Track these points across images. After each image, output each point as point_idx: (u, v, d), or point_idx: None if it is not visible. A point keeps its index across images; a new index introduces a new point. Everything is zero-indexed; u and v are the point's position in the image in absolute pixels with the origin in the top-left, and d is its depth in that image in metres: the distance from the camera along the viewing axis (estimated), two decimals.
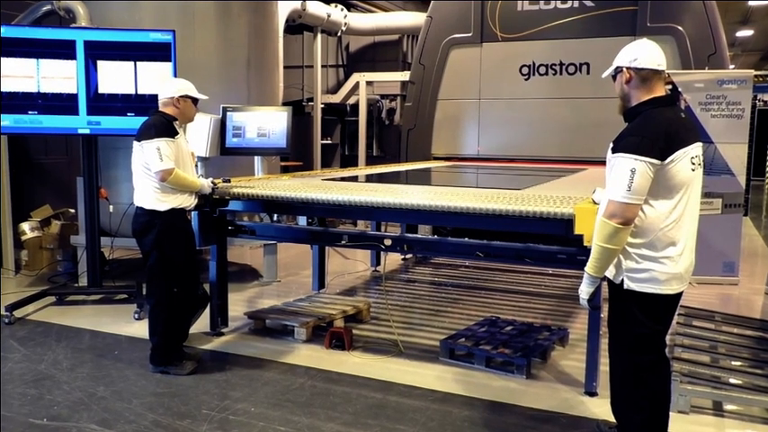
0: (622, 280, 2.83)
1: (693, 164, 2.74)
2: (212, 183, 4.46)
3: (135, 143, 4.13)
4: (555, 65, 7.83)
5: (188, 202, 4.24)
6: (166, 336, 4.21)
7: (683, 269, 2.82)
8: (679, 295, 2.89)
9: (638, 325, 2.84)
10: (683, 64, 7.19)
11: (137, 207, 4.20)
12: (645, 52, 2.83)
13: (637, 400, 2.93)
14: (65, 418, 3.55)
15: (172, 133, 4.08)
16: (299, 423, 3.51)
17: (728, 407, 3.75)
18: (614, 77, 2.94)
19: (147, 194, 4.13)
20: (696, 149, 2.78)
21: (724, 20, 7.54)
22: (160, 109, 4.22)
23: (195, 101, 4.30)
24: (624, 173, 2.66)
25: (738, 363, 4.24)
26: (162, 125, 4.09)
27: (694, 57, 7.18)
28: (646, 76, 2.81)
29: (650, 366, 2.89)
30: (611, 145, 2.79)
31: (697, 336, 4.73)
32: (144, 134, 4.07)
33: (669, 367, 2.94)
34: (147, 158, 4.04)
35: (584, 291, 2.90)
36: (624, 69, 2.85)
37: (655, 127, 2.71)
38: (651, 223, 2.75)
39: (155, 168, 4.02)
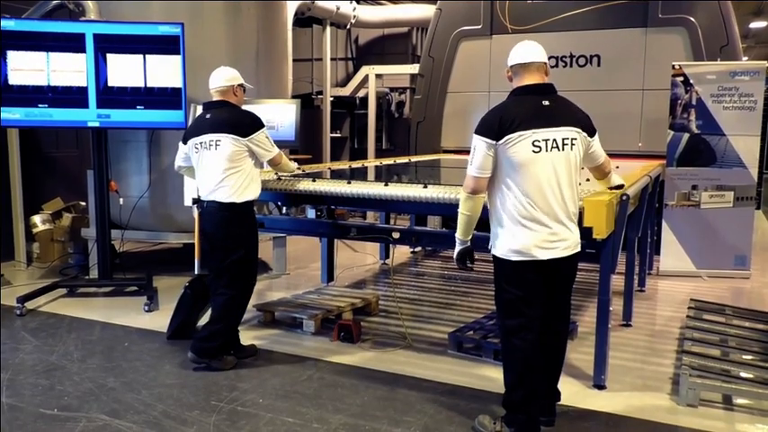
0: (491, 247, 3.24)
1: (538, 147, 3.03)
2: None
3: (225, 137, 4.03)
4: (565, 57, 7.78)
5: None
6: (234, 327, 4.25)
7: (532, 243, 3.08)
8: (541, 266, 3.09)
9: (503, 291, 3.21)
10: (696, 56, 7.13)
11: (215, 202, 4.07)
12: (515, 51, 3.23)
13: (508, 362, 3.27)
14: (75, 409, 3.58)
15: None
16: (307, 414, 3.53)
17: (738, 401, 3.72)
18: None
19: (226, 189, 4.05)
20: (547, 134, 3.05)
21: (737, 11, 7.46)
22: (223, 98, 4.19)
23: (244, 89, 4.35)
24: (472, 150, 3.12)
25: (749, 356, 4.23)
26: (255, 115, 4.20)
27: (706, 48, 7.12)
28: (517, 70, 3.21)
29: (516, 330, 3.18)
30: None
31: (707, 329, 4.71)
32: (248, 129, 4.08)
33: (535, 333, 3.17)
34: (259, 150, 4.13)
35: (455, 251, 3.35)
36: (506, 71, 3.29)
37: (494, 112, 3.13)
38: (504, 198, 3.11)
39: (269, 156, 4.21)
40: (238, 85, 4.23)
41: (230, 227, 4.12)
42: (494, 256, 3.22)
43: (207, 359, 4.13)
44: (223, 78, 4.20)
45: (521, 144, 3.02)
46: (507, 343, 3.26)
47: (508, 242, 3.12)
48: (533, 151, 3.03)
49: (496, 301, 3.30)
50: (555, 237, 3.09)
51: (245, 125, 4.11)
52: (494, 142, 3.03)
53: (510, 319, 3.20)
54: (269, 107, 5.98)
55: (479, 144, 3.07)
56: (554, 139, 3.06)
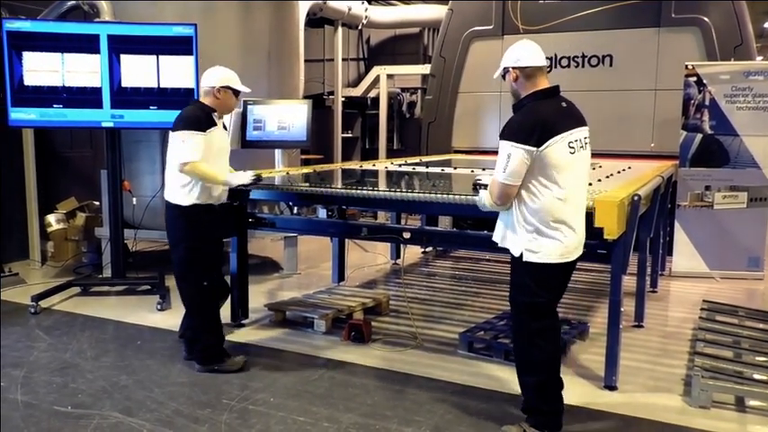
0: (521, 253, 3.14)
1: (572, 147, 3.05)
2: (255, 176, 4.26)
3: (171, 135, 4.06)
4: (577, 57, 7.75)
5: (213, 198, 4.11)
6: (213, 332, 4.18)
7: (573, 243, 3.12)
8: (569, 267, 3.18)
9: (533, 294, 3.15)
10: (709, 55, 7.08)
11: (166, 201, 4.12)
12: (526, 52, 3.14)
13: (532, 364, 3.23)
14: (88, 406, 3.61)
15: (202, 126, 3.96)
16: (318, 414, 3.54)
17: (751, 402, 3.69)
18: (504, 77, 3.22)
19: (174, 188, 4.05)
20: (576, 134, 3.09)
21: (751, 11, 7.40)
22: (200, 98, 4.13)
23: (236, 92, 4.17)
24: (503, 157, 3.02)
25: (762, 358, 4.19)
26: (194, 117, 3.98)
27: (720, 48, 7.07)
28: (530, 73, 3.13)
29: (542, 332, 3.18)
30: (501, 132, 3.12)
31: (720, 331, 4.69)
32: (175, 125, 4.00)
33: (560, 333, 3.30)
34: (174, 149, 3.98)
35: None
36: (510, 69, 3.16)
37: (531, 117, 3.03)
38: (541, 203, 3.04)
39: (177, 159, 3.94)
40: (222, 87, 4.05)
41: (171, 224, 4.12)
42: (524, 262, 3.12)
43: (216, 364, 4.12)
44: (205, 81, 4.12)
45: (559, 146, 3.00)
46: (531, 345, 3.21)
47: (544, 246, 3.06)
48: (570, 152, 3.05)
49: (521, 305, 3.22)
50: (581, 236, 3.16)
51: (176, 122, 4.01)
52: (534, 149, 2.95)
53: (537, 322, 3.17)
54: (281, 107, 6.02)
55: (516, 152, 2.96)
56: (578, 139, 3.11)
